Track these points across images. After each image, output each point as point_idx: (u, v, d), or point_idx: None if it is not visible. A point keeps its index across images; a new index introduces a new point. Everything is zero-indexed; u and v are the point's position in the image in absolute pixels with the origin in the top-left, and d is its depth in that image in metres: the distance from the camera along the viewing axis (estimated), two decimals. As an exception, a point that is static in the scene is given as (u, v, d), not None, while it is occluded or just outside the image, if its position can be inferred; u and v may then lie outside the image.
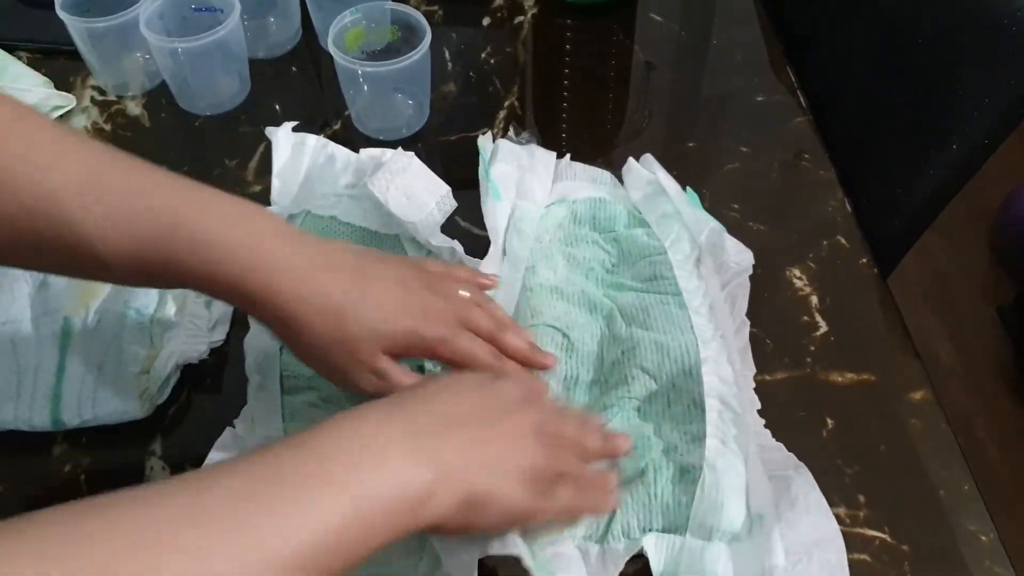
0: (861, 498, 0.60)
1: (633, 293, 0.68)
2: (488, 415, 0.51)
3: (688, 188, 0.74)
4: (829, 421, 0.64)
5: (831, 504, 0.56)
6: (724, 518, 0.55)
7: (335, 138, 0.75)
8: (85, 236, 0.49)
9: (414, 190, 0.68)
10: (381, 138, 0.84)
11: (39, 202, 0.48)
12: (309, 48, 0.93)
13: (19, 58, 0.89)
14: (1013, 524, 1.37)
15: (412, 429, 0.47)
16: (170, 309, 0.66)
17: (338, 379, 0.56)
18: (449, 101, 0.88)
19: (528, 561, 0.51)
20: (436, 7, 0.97)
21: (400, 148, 0.72)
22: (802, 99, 0.88)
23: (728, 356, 0.64)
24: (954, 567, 0.58)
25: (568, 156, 0.78)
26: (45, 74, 0.87)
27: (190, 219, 0.51)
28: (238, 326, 0.69)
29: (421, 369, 0.63)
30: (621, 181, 0.77)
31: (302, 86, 0.92)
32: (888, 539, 0.59)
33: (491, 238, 0.70)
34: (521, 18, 0.97)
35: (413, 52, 0.76)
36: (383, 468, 0.44)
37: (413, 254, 0.70)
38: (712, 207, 0.73)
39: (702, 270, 0.69)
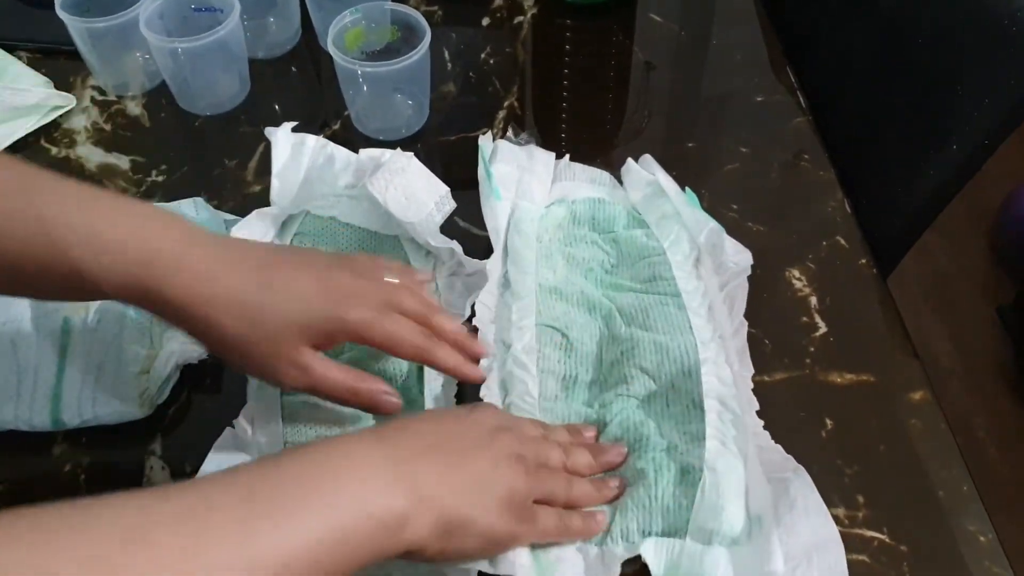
0: (860, 498, 0.60)
1: (632, 294, 0.68)
2: (466, 442, 0.51)
3: (687, 188, 0.74)
4: (828, 422, 0.64)
5: (830, 504, 0.56)
6: (724, 522, 0.55)
7: (335, 138, 0.75)
8: None
9: (413, 190, 0.68)
10: (381, 138, 0.84)
11: None
12: (309, 48, 0.93)
13: (19, 58, 0.89)
14: (1013, 524, 1.37)
15: (391, 455, 0.47)
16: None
17: (262, 377, 0.56)
18: (449, 101, 0.88)
19: (522, 572, 0.51)
20: (436, 7, 0.97)
21: (399, 148, 0.72)
22: (802, 99, 0.88)
23: (727, 357, 0.64)
24: (953, 568, 0.58)
25: (567, 157, 0.78)
26: (45, 74, 0.87)
27: (94, 227, 0.50)
28: (238, 326, 0.69)
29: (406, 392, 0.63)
30: (620, 182, 0.77)
31: (302, 86, 0.92)
32: (887, 540, 0.59)
33: (492, 238, 0.70)
34: (521, 18, 0.97)
35: (413, 52, 0.76)
36: (361, 492, 0.44)
37: (413, 254, 0.70)
38: (711, 207, 0.73)
39: (701, 271, 0.69)
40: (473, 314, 0.65)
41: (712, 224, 0.70)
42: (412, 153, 0.70)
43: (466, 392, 0.64)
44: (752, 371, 0.65)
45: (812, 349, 0.68)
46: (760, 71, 0.92)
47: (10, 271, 0.50)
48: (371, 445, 0.48)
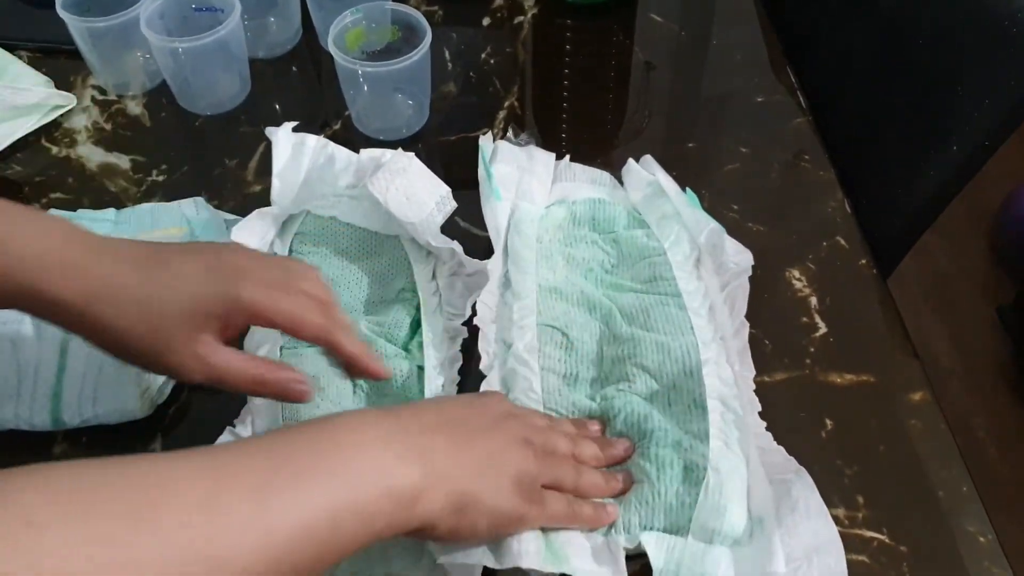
0: (860, 499, 0.60)
1: (633, 294, 0.68)
2: (476, 424, 0.51)
3: (687, 189, 0.74)
4: (828, 422, 0.64)
5: (830, 505, 0.56)
6: (726, 522, 0.55)
7: (335, 138, 0.75)
8: None
9: (414, 191, 0.68)
10: (381, 138, 0.84)
11: None
12: (309, 48, 0.93)
13: (20, 57, 0.89)
14: (1012, 525, 1.37)
15: (404, 431, 0.47)
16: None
17: (163, 372, 0.54)
18: (449, 101, 0.88)
19: (529, 561, 0.51)
20: (436, 7, 0.97)
21: (400, 148, 0.72)
22: (802, 99, 0.88)
23: (728, 357, 0.64)
24: (953, 568, 0.58)
25: (567, 157, 0.78)
26: (46, 73, 0.87)
27: None
28: (238, 326, 0.69)
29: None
30: (621, 182, 0.77)
31: (302, 86, 0.92)
32: (887, 540, 0.59)
33: (492, 239, 0.70)
34: (521, 18, 0.97)
35: (413, 52, 0.76)
36: (377, 464, 0.44)
37: (413, 254, 0.70)
38: (712, 208, 0.73)
39: (702, 271, 0.69)
40: (474, 313, 0.65)
41: (712, 224, 0.70)
42: (413, 153, 0.71)
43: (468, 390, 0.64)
44: (753, 372, 0.65)
45: (812, 349, 0.69)
46: (760, 71, 0.92)
47: None
48: (387, 420, 0.48)
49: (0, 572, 0.32)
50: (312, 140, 0.73)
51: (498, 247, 0.70)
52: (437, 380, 0.63)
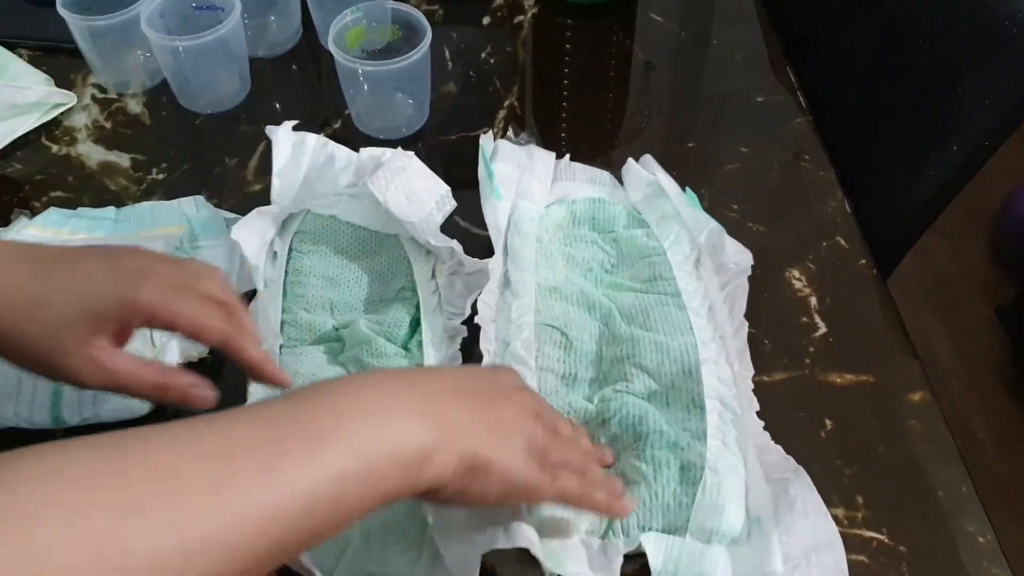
0: (859, 499, 0.60)
1: (632, 294, 0.68)
2: (491, 392, 0.51)
3: (687, 188, 0.74)
4: (828, 422, 0.64)
5: (829, 505, 0.56)
6: (724, 521, 0.55)
7: (335, 137, 0.75)
8: None
9: (413, 190, 0.68)
10: (381, 137, 0.84)
11: None
12: (309, 47, 0.93)
13: (20, 56, 0.89)
14: (1012, 525, 1.37)
15: (418, 394, 0.47)
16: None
17: (59, 378, 0.51)
18: (449, 101, 0.88)
19: (537, 550, 0.51)
20: (436, 6, 0.97)
21: (400, 147, 0.72)
22: (802, 99, 0.88)
23: (727, 357, 0.64)
24: (952, 568, 0.58)
25: (567, 156, 0.78)
26: (46, 72, 0.87)
27: None
28: (238, 325, 0.69)
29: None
30: (621, 181, 0.77)
31: (302, 85, 0.92)
32: (886, 540, 0.59)
33: (492, 238, 0.70)
34: (521, 18, 0.97)
35: (413, 51, 0.76)
36: (388, 425, 0.44)
37: (413, 253, 0.70)
38: (711, 207, 0.73)
39: (701, 271, 0.69)
40: (474, 312, 0.65)
41: (712, 224, 0.70)
42: (412, 152, 0.71)
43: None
44: (752, 371, 0.65)
45: (812, 349, 0.69)
46: (760, 71, 0.92)
47: None
48: (399, 382, 0.47)
49: None
50: (312, 139, 0.73)
51: (498, 246, 0.70)
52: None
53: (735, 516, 0.56)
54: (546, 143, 0.79)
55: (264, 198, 0.73)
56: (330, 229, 0.72)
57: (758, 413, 0.62)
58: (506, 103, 0.88)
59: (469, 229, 0.75)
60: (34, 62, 0.89)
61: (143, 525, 0.35)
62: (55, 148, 0.83)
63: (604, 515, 0.55)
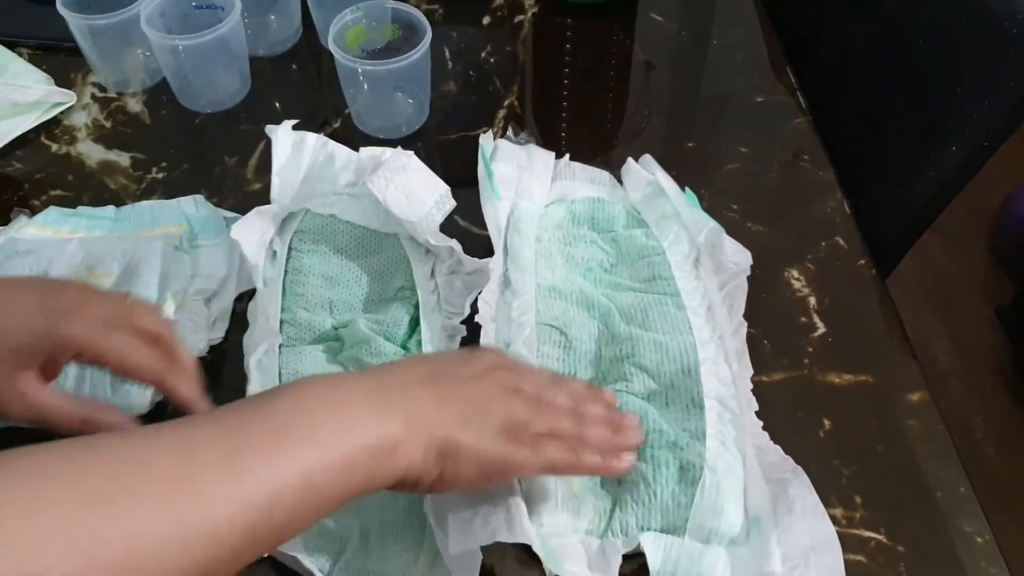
0: (858, 499, 0.60)
1: (632, 293, 0.68)
2: (461, 375, 0.51)
3: (687, 189, 0.74)
4: (826, 422, 0.64)
5: (828, 505, 0.56)
6: (723, 521, 0.55)
7: (335, 136, 0.75)
8: None
9: (413, 189, 0.68)
10: (381, 137, 0.84)
11: None
12: (309, 46, 0.93)
13: (20, 54, 0.89)
14: (1011, 526, 1.37)
15: (382, 386, 0.47)
16: (169, 306, 0.66)
17: None
18: (449, 100, 0.88)
19: (537, 546, 0.51)
20: (436, 6, 0.97)
21: (400, 147, 0.72)
22: (802, 99, 0.88)
23: (726, 357, 0.64)
24: (950, 568, 0.58)
25: (567, 156, 0.78)
26: (46, 71, 0.87)
27: None
28: (237, 324, 0.69)
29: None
30: (620, 181, 0.77)
31: (302, 84, 0.92)
32: (884, 540, 0.59)
33: (492, 237, 0.70)
34: (521, 17, 0.97)
35: (413, 51, 0.76)
36: (352, 420, 0.45)
37: (412, 253, 0.70)
38: (711, 207, 0.73)
39: (700, 271, 0.69)
40: (473, 312, 0.65)
41: (712, 224, 0.70)
42: (412, 152, 0.71)
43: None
44: (751, 371, 0.65)
45: (811, 349, 0.69)
46: (760, 71, 0.92)
47: None
48: (363, 378, 0.48)
49: None
50: (312, 138, 0.73)
51: (498, 246, 0.70)
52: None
53: (734, 516, 0.56)
54: (546, 143, 0.79)
55: (264, 197, 0.73)
56: (330, 228, 0.72)
57: (757, 413, 0.62)
58: (506, 103, 0.88)
59: (469, 228, 0.75)
60: (34, 61, 0.89)
61: (115, 517, 0.36)
62: (55, 147, 0.83)
63: (604, 475, 0.55)
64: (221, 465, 0.40)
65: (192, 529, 0.38)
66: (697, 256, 0.70)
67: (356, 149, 0.74)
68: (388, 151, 0.72)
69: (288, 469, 0.41)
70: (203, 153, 0.84)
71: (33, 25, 0.91)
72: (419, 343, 0.65)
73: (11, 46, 0.89)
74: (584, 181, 0.76)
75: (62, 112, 0.85)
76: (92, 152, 0.83)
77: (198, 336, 0.66)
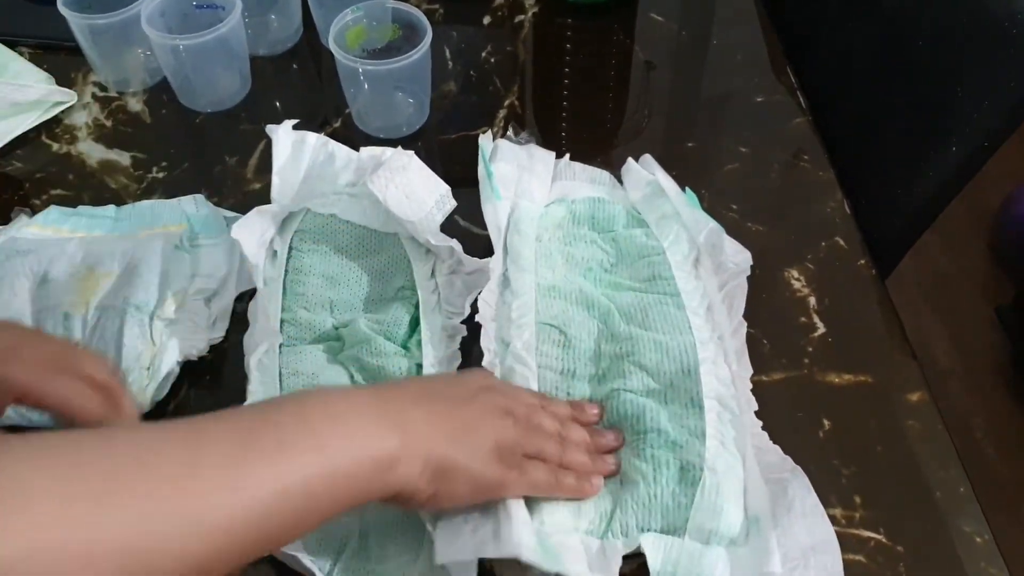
0: (857, 499, 0.60)
1: (632, 293, 0.68)
2: (455, 396, 0.53)
3: (687, 188, 0.74)
4: (826, 422, 0.64)
5: (827, 505, 0.56)
6: (723, 522, 0.55)
7: (335, 136, 0.75)
8: None
9: (413, 189, 0.69)
10: (381, 136, 0.84)
11: None
12: (310, 46, 0.93)
13: (21, 54, 0.89)
14: (1010, 526, 1.37)
15: (382, 403, 0.49)
16: (170, 306, 0.66)
17: None
18: (449, 100, 0.88)
19: (528, 553, 0.51)
20: (437, 6, 0.97)
21: (400, 147, 0.72)
22: (802, 99, 0.88)
23: (725, 357, 0.64)
24: (950, 568, 0.58)
25: (567, 156, 0.78)
26: (46, 70, 0.87)
27: None
28: (238, 323, 0.69)
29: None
30: (620, 181, 0.77)
31: (303, 84, 0.92)
32: (884, 540, 0.59)
33: (492, 237, 0.70)
34: (521, 17, 0.97)
35: (414, 51, 0.76)
36: (354, 433, 0.46)
37: (412, 253, 0.70)
38: (711, 207, 0.73)
39: (700, 271, 0.69)
40: (474, 311, 0.65)
41: (712, 224, 0.70)
42: (413, 151, 0.71)
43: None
44: (751, 371, 0.65)
45: (810, 349, 0.69)
46: (760, 71, 0.92)
47: None
48: (363, 393, 0.50)
49: None
50: (312, 138, 0.73)
51: (498, 246, 0.70)
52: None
53: (734, 516, 0.56)
54: (546, 143, 0.79)
55: (264, 197, 0.73)
56: (330, 228, 0.72)
57: (756, 413, 0.62)
58: (506, 102, 0.88)
59: (469, 228, 0.75)
60: (35, 60, 0.89)
61: (116, 511, 0.37)
62: (55, 146, 0.83)
63: (575, 497, 0.56)
64: (225, 466, 0.41)
65: (193, 527, 0.39)
66: (697, 256, 0.70)
67: (356, 149, 0.74)
68: (388, 151, 0.72)
69: (290, 475, 0.42)
70: (203, 153, 0.84)
71: (34, 24, 0.91)
72: (419, 343, 0.65)
73: (12, 45, 0.89)
74: (584, 181, 0.76)
75: (63, 111, 0.86)
76: (93, 151, 0.83)
77: (199, 336, 0.66)
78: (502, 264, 0.69)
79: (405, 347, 0.66)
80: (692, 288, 0.68)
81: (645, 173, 0.75)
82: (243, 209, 0.72)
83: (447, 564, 0.52)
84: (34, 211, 0.75)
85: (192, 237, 0.72)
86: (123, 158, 0.83)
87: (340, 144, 0.74)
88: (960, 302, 1.76)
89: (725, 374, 0.63)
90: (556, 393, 0.63)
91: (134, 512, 0.37)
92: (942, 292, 1.77)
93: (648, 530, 0.56)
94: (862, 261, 0.75)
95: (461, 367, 0.65)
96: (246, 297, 0.70)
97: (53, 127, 0.85)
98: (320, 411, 0.46)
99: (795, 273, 0.73)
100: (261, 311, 0.67)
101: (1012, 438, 1.58)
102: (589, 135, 0.86)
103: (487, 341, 0.65)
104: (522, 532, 0.51)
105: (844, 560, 0.54)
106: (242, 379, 0.65)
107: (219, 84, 0.86)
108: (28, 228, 0.73)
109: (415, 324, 0.67)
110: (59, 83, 0.87)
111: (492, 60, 0.92)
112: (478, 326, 0.65)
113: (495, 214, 0.70)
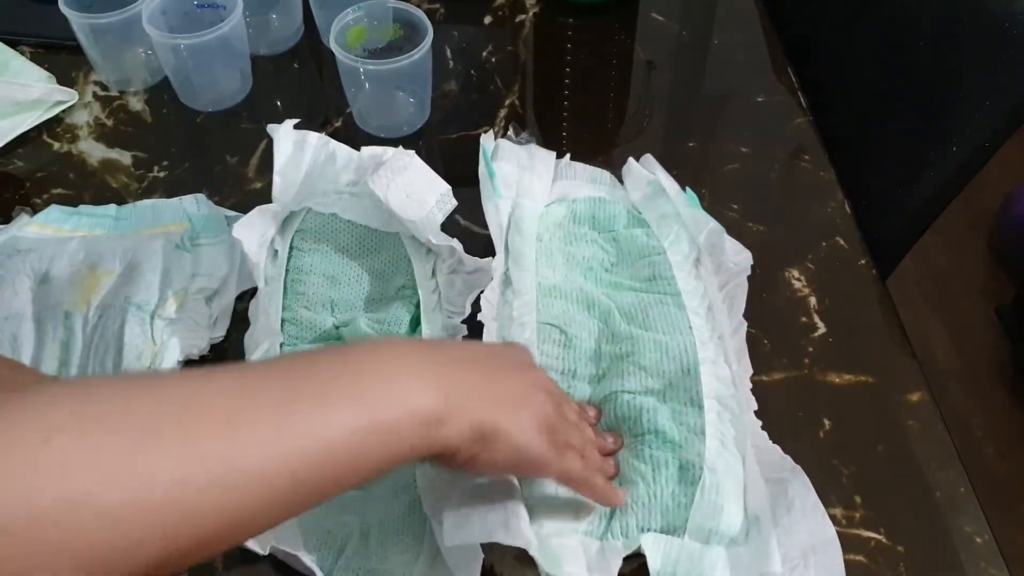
0: (857, 499, 0.60)
1: (632, 293, 0.68)
2: (501, 365, 0.53)
3: (687, 188, 0.74)
4: (826, 422, 0.64)
5: (827, 504, 0.56)
6: (723, 522, 0.55)
7: (336, 135, 0.75)
8: None
9: (414, 188, 0.69)
10: (382, 136, 0.84)
11: None
12: (311, 45, 0.93)
13: (22, 53, 0.89)
14: (1010, 526, 1.37)
15: (431, 359, 0.48)
16: (171, 305, 0.66)
17: None
18: (450, 99, 0.88)
19: (535, 550, 0.51)
20: (438, 5, 0.97)
21: (401, 146, 0.72)
22: (802, 100, 0.88)
23: (726, 356, 0.64)
24: (949, 568, 0.58)
25: (568, 156, 0.78)
26: (47, 69, 0.87)
27: None
28: (239, 322, 0.69)
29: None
30: (621, 181, 0.77)
31: (304, 83, 0.92)
32: (884, 540, 0.59)
33: (493, 237, 0.70)
34: (522, 17, 0.97)
35: (415, 50, 0.76)
36: (401, 388, 0.45)
37: (413, 252, 0.70)
38: (711, 207, 0.73)
39: (701, 270, 0.70)
40: (476, 310, 0.66)
41: (712, 224, 0.70)
42: (413, 151, 0.71)
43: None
44: (751, 371, 0.65)
45: (811, 349, 0.69)
46: (761, 71, 0.92)
47: None
48: (413, 348, 0.49)
49: (8, 487, 0.32)
50: (313, 137, 0.73)
51: (499, 245, 0.70)
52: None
53: (734, 516, 0.56)
54: (547, 142, 0.79)
55: (265, 196, 0.73)
56: (331, 227, 0.72)
57: (756, 412, 0.62)
58: (507, 102, 0.88)
59: (470, 228, 0.75)
60: (36, 59, 0.89)
61: (162, 451, 0.36)
62: (56, 145, 0.84)
63: (599, 502, 0.56)
64: (273, 412, 0.40)
65: (237, 473, 0.38)
66: (697, 256, 0.70)
67: (357, 148, 0.74)
68: (389, 150, 0.72)
69: (337, 425, 0.42)
70: (204, 152, 0.84)
71: (35, 24, 0.91)
72: (420, 342, 0.65)
73: (13, 44, 0.89)
74: (585, 181, 0.77)
75: (64, 110, 0.86)
76: (94, 151, 0.83)
77: (199, 334, 0.66)
78: (503, 264, 0.69)
79: (406, 346, 0.66)
80: (692, 288, 0.68)
81: (646, 173, 0.75)
82: (244, 208, 0.72)
83: (451, 560, 0.53)
84: (35, 210, 0.75)
85: (193, 236, 0.72)
86: (124, 157, 0.83)
87: (341, 144, 0.74)
88: (960, 302, 1.76)
89: (725, 374, 0.63)
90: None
91: (179, 455, 0.37)
92: (942, 292, 1.77)
93: (648, 530, 0.56)
94: (862, 261, 0.75)
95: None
96: (247, 296, 0.70)
97: (54, 126, 0.85)
98: (366, 363, 0.45)
99: (795, 273, 0.74)
100: (262, 310, 0.67)
101: (1012, 438, 1.58)
102: (590, 135, 0.86)
103: (488, 340, 0.65)
104: (528, 530, 0.51)
105: (844, 560, 0.54)
106: (243, 378, 0.65)
107: (220, 83, 0.86)
108: (29, 227, 0.73)
109: (416, 323, 0.67)
110: (60, 82, 0.87)
111: (493, 60, 0.93)
112: (478, 325, 0.65)
113: (496, 213, 0.71)
